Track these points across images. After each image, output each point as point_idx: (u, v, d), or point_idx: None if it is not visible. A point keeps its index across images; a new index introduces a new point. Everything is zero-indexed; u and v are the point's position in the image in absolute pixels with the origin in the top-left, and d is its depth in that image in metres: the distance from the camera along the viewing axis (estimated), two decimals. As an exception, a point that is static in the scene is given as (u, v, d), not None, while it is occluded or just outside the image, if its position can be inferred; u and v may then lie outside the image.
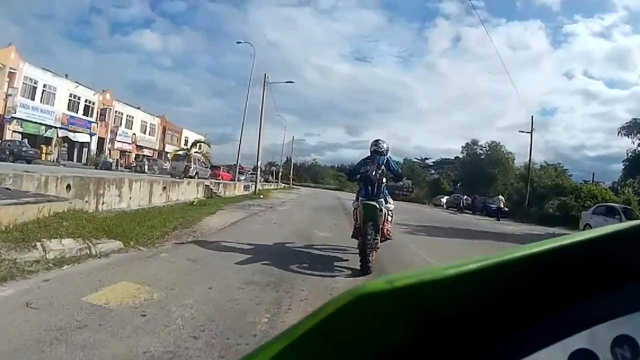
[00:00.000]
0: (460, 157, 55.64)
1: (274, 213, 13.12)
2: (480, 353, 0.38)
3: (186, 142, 58.11)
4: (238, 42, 30.62)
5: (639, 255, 0.43)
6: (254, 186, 24.17)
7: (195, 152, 25.57)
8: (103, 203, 10.18)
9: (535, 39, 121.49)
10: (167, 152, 50.79)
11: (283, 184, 57.08)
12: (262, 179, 54.22)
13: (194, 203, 13.48)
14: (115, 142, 41.88)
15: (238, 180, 31.99)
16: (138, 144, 45.70)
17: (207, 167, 28.76)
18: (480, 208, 29.83)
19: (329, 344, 0.35)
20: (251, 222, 10.01)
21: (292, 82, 29.00)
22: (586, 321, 0.40)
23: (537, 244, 0.40)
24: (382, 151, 5.62)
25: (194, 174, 25.22)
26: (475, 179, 49.61)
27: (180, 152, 26.20)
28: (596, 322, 0.40)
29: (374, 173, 5.36)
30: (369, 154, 5.67)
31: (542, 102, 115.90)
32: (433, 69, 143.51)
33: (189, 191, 17.14)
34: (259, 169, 25.36)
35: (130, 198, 11.87)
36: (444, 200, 43.42)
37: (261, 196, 21.78)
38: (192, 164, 24.77)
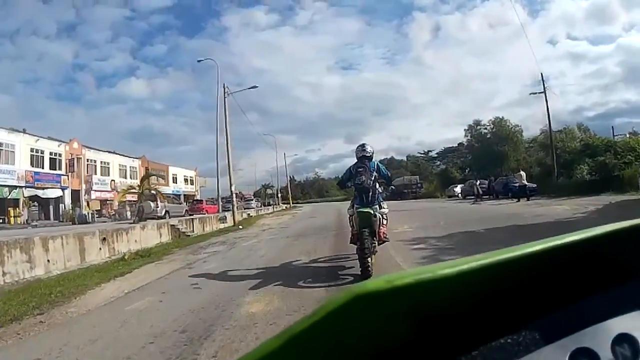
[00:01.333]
0: (465, 141, 51.62)
1: (224, 255, 9.33)
2: (479, 352, 0.38)
3: (174, 179, 55.26)
4: (199, 60, 27.28)
5: (638, 253, 0.44)
6: (232, 216, 20.35)
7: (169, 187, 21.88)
8: (4, 274, 7.57)
9: (513, 12, 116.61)
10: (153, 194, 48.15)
11: (285, 205, 53.49)
12: (260, 204, 51.23)
13: (125, 257, 9.94)
14: (92, 192, 38.64)
15: (225, 212, 28.79)
16: (119, 190, 42.29)
17: (180, 203, 25.27)
18: (501, 190, 25.44)
19: (328, 343, 0.35)
20: (157, 287, 6.24)
21: (256, 86, 25.59)
22: (586, 319, 0.40)
23: (536, 242, 0.40)
24: (370, 155, 5.79)
25: (162, 213, 21.69)
26: (485, 160, 46.43)
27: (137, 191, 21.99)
28: (596, 321, 0.40)
29: (368, 182, 5.50)
30: (357, 160, 5.78)
31: (533, 74, 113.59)
32: (420, 63, 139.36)
33: (147, 237, 13.71)
34: (234, 194, 21.52)
35: (48, 261, 8.89)
36: (457, 189, 39.18)
37: (240, 227, 18.17)
38: (156, 202, 21.26)
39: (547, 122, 26.92)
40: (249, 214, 28.12)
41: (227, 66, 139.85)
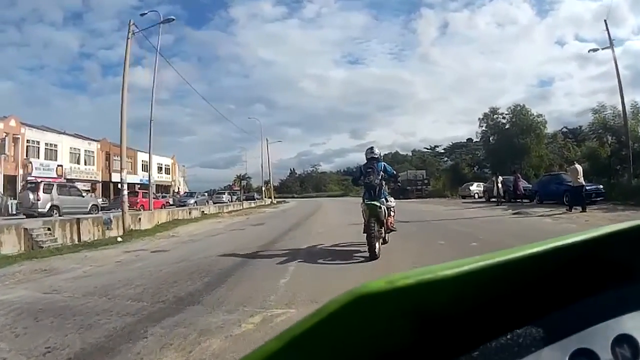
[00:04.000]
0: (479, 132, 44.15)
1: None
2: (480, 352, 0.38)
3: (144, 167, 48.54)
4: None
5: (638, 254, 0.44)
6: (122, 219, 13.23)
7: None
8: None
9: (522, 11, 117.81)
10: (116, 182, 41.51)
11: (270, 201, 46.75)
12: (235, 199, 44.47)
13: None
14: (30, 177, 31.94)
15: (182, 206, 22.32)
16: (68, 177, 35.70)
17: (81, 195, 18.54)
18: (546, 192, 17.75)
19: (329, 343, 0.35)
20: None
21: (172, 19, 18.28)
22: (586, 320, 0.40)
23: (537, 243, 0.40)
24: (377, 156, 6.70)
25: (46, 208, 15.05)
26: (503, 154, 39.16)
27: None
28: (596, 321, 0.40)
29: (375, 181, 6.36)
30: (366, 160, 6.69)
31: (539, 74, 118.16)
32: (427, 59, 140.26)
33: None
34: (125, 185, 14.53)
35: None
36: (474, 188, 32.15)
37: (119, 239, 11.42)
38: (37, 192, 14.70)
39: (620, 96, 18.05)
40: (189, 210, 21.25)
41: (234, 57, 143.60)
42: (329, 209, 24.62)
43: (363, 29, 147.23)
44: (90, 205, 18.08)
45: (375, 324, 0.35)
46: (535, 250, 0.39)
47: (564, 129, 49.86)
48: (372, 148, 6.71)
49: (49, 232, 11.04)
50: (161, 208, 24.11)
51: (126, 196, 13.69)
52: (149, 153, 19.26)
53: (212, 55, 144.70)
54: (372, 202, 6.21)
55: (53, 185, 17.29)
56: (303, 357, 0.34)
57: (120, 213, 13.24)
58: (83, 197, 18.70)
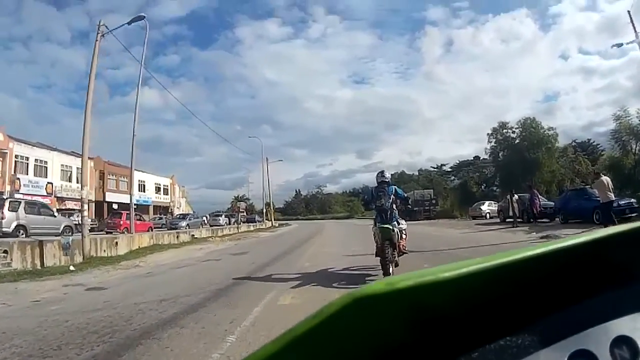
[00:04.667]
0: (488, 147, 42.31)
1: None
2: (479, 354, 0.38)
3: (141, 187, 47.14)
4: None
5: (638, 256, 0.44)
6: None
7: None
8: None
9: (525, 27, 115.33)
10: (111, 203, 40.02)
11: (271, 223, 45.03)
12: (233, 221, 42.54)
13: None
14: (19, 195, 30.48)
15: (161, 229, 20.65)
16: (59, 195, 34.31)
17: (53, 215, 16.96)
18: (569, 209, 15.92)
19: (329, 345, 0.35)
20: None
21: (143, 16, 15.96)
22: (585, 322, 0.40)
23: (537, 246, 0.40)
24: (388, 180, 6.76)
25: (11, 228, 13.45)
26: (514, 170, 37.38)
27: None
28: (595, 323, 0.40)
29: (386, 204, 6.40)
30: (377, 184, 6.71)
31: (544, 88, 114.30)
32: (432, 77, 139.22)
33: None
34: (85, 204, 12.80)
35: None
36: (485, 208, 30.01)
37: (71, 268, 9.62)
38: (1, 210, 13.18)
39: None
40: (177, 234, 19.46)
41: (240, 77, 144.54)
42: (328, 234, 22.72)
43: (368, 48, 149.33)
44: (62, 226, 16.39)
45: (375, 326, 0.35)
46: (534, 252, 0.39)
47: (574, 143, 48.10)
48: (382, 172, 6.83)
49: (5, 254, 9.37)
50: (148, 231, 22.39)
51: (86, 217, 11.91)
52: (131, 169, 17.63)
53: (219, 75, 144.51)
54: (385, 226, 6.25)
55: (20, 202, 15.72)
56: (303, 358, 0.34)
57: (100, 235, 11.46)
58: (55, 217, 16.99)
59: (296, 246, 14.98)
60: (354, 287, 3.74)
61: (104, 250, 12.57)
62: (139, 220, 24.76)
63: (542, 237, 11.12)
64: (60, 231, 15.56)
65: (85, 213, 11.88)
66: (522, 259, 0.39)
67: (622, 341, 0.39)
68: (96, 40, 12.30)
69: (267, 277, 7.43)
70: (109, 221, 26.22)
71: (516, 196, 18.86)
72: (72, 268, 9.57)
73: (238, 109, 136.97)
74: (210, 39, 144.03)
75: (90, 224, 29.78)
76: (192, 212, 45.69)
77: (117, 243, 13.51)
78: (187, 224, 30.05)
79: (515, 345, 0.38)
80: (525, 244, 9.93)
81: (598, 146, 48.62)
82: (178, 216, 38.43)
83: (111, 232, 21.31)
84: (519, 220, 18.06)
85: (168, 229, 26.53)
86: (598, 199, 11.98)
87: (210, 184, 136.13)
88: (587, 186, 15.61)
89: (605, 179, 11.54)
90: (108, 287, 7.06)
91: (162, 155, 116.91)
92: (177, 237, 19.04)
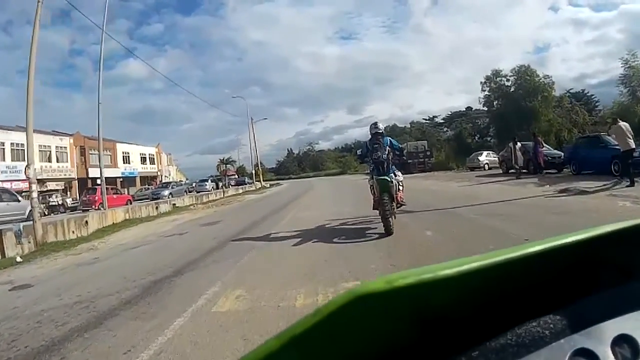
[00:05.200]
0: (482, 97, 40.90)
1: None
2: (480, 352, 0.38)
3: (126, 159, 45.40)
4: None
5: (638, 254, 0.45)
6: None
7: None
8: None
9: None
10: (94, 178, 38.45)
11: (260, 184, 43.79)
12: (220, 185, 41.36)
13: None
14: (-5, 182, 28.92)
15: (161, 201, 19.43)
16: (39, 177, 32.53)
17: (17, 200, 15.62)
18: (582, 160, 14.53)
19: (329, 343, 0.35)
20: None
21: None
22: (586, 320, 0.40)
23: (537, 242, 0.40)
24: (382, 132, 6.65)
25: None
26: (509, 119, 36.28)
27: None
28: (596, 321, 0.40)
29: (383, 156, 6.32)
30: (371, 136, 6.59)
31: (534, 40, 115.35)
32: (420, 30, 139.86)
33: None
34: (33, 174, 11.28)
35: None
36: (484, 158, 28.69)
37: None
38: None
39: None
40: (156, 205, 18.29)
41: (226, 41, 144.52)
42: (317, 192, 21.70)
43: (354, 3, 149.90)
44: (27, 211, 15.06)
45: (374, 324, 0.35)
46: (534, 249, 0.39)
47: (568, 94, 46.70)
48: (376, 123, 6.69)
49: None
50: (126, 204, 21.14)
51: (36, 198, 10.51)
52: (99, 138, 16.28)
53: (204, 40, 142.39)
54: (383, 177, 6.26)
55: None
56: (302, 356, 0.34)
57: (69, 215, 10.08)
58: (19, 201, 15.61)
59: (281, 208, 14.09)
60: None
61: (72, 232, 11.49)
62: (116, 194, 23.45)
63: (560, 191, 9.94)
64: (26, 217, 14.22)
65: (35, 195, 10.57)
66: (522, 257, 0.39)
67: (624, 339, 0.39)
68: (38, 2, 10.44)
69: (221, 258, 6.11)
70: (84, 198, 25.15)
71: (519, 144, 17.60)
72: (18, 259, 8.47)
73: (226, 72, 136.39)
74: (193, 3, 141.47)
75: (72, 204, 28.77)
76: (180, 180, 44.47)
77: (87, 222, 12.37)
78: (170, 193, 28.97)
79: (516, 344, 0.38)
80: (544, 200, 8.82)
81: (592, 97, 48.07)
82: (160, 185, 37.17)
83: (87, 210, 20.08)
84: (523, 171, 16.95)
85: (150, 199, 25.39)
86: (616, 147, 10.89)
87: (203, 150, 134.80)
88: (601, 133, 14.27)
89: (624, 124, 10.33)
90: (35, 284, 5.92)
91: (153, 125, 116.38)
92: (157, 207, 17.97)
